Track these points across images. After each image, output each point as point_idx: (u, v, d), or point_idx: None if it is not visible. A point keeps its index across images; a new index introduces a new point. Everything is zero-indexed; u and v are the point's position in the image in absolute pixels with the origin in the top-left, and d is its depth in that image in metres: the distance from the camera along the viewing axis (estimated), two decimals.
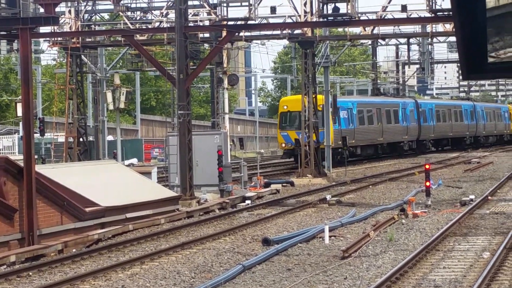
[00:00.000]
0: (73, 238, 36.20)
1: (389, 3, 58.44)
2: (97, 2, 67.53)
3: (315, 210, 47.71)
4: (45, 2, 46.05)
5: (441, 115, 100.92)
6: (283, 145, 75.54)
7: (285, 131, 74.32)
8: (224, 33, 57.62)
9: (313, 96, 67.68)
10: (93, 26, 67.11)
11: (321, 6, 56.64)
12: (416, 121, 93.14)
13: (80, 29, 63.38)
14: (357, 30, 73.25)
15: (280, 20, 60.36)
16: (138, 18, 64.68)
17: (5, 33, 55.59)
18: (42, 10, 46.94)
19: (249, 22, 58.03)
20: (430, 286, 26.58)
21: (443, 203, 48.49)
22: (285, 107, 74.31)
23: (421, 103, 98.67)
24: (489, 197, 51.04)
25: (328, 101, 73.20)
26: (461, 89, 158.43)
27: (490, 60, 9.18)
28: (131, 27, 62.08)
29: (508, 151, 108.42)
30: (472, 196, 49.85)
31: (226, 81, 65.11)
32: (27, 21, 43.77)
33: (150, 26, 64.28)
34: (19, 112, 47.08)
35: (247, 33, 65.37)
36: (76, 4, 62.35)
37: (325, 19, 58.32)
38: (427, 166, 55.09)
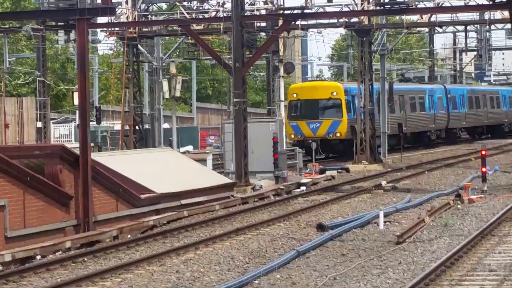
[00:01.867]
0: (128, 224, 36.34)
1: None
2: None
3: (370, 196, 47.60)
4: None
5: (474, 102, 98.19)
6: (292, 136, 72.73)
7: (295, 121, 71.83)
8: (280, 22, 57.84)
9: (369, 83, 67.42)
10: (149, 16, 67.24)
11: None
12: (445, 108, 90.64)
13: (136, 19, 63.54)
14: (414, 17, 73.07)
15: (337, 9, 60.32)
16: (194, 7, 64.78)
17: (63, 23, 55.96)
18: (99, 0, 47.19)
19: (306, 11, 57.99)
20: (485, 270, 26.37)
21: (500, 188, 48.16)
22: (295, 95, 72.20)
23: (450, 89, 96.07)
24: None
25: (385, 88, 72.79)
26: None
27: None
28: (188, 17, 62.37)
29: None
30: None
31: (282, 69, 65.35)
32: (84, 12, 43.51)
33: (206, 16, 64.26)
34: (76, 101, 47.24)
35: (304, 22, 65.39)
36: None
37: (382, 7, 58.19)
38: (483, 152, 54.84)
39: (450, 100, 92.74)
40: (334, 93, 68.88)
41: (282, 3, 58.77)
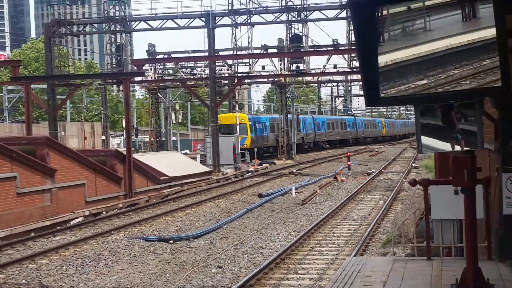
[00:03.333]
0: (153, 194, 36.22)
1: (327, 63, 58.08)
2: (166, 64, 66.62)
3: (287, 178, 47.60)
4: (137, 63, 46.30)
5: (331, 125, 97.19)
6: None
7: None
8: (236, 80, 57.77)
9: (285, 115, 67.36)
10: (163, 76, 67.00)
11: (289, 65, 56.34)
12: (313, 129, 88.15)
13: (156, 78, 63.26)
14: (309, 78, 73.19)
15: (267, 73, 59.97)
16: (188, 72, 64.59)
17: (115, 81, 55.69)
18: (135, 68, 47.31)
19: (250, 74, 57.84)
20: (350, 219, 26.63)
21: (358, 173, 48.43)
22: (219, 121, 68.89)
23: (316, 118, 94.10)
24: (383, 170, 51.01)
25: (294, 117, 72.78)
26: (367, 111, 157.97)
27: (382, 95, 9.24)
28: (185, 77, 62.15)
29: (394, 145, 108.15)
30: (373, 170, 49.79)
31: (237, 107, 65.14)
32: (127, 75, 44.00)
33: (195, 77, 64.16)
34: (123, 124, 47.39)
35: (248, 80, 65.48)
36: (154, 65, 62.24)
37: (291, 73, 58.07)
38: (348, 153, 55.38)
39: (316, 125, 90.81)
40: (242, 120, 65.75)
41: (236, 70, 58.71)
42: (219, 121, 67.57)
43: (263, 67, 61.73)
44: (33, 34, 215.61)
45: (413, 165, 53.69)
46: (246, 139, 65.80)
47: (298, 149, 72.26)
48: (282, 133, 67.76)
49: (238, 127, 61.30)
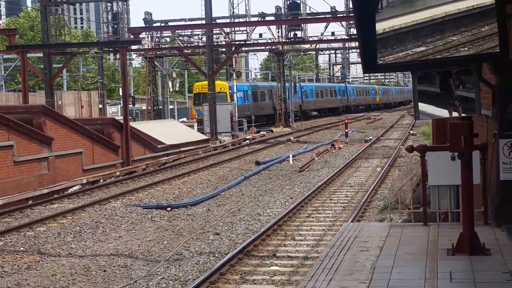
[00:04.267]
0: (151, 162, 36.19)
1: (325, 30, 57.86)
2: (162, 32, 66.61)
3: (285, 145, 47.57)
4: (134, 32, 46.11)
5: (319, 93, 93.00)
6: (196, 116, 63.34)
7: (197, 107, 63.22)
8: (233, 48, 57.60)
9: (283, 83, 67.07)
10: (160, 45, 66.77)
11: (287, 33, 56.21)
12: (300, 98, 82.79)
13: (153, 47, 63.04)
14: (307, 46, 72.95)
15: (264, 41, 59.84)
16: (186, 40, 64.36)
17: (112, 49, 55.51)
18: (132, 36, 47.08)
19: (247, 42, 57.69)
20: (347, 186, 26.73)
21: (355, 141, 48.47)
22: (197, 90, 66.05)
23: (304, 86, 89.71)
24: (380, 137, 51.02)
25: (292, 85, 72.67)
26: (365, 78, 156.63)
27: (379, 62, 9.25)
28: (182, 45, 61.95)
29: (391, 112, 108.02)
30: (370, 137, 49.77)
31: (234, 75, 64.77)
32: (124, 43, 43.66)
33: (192, 45, 63.99)
34: (120, 93, 47.30)
35: (246, 48, 65.31)
36: (151, 33, 61.98)
37: (289, 40, 57.93)
38: (346, 121, 55.35)
39: (304, 93, 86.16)
40: (222, 89, 62.54)
41: (234, 37, 58.59)
42: (197, 89, 66.35)
43: (260, 35, 61.60)
44: (28, 2, 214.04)
45: (411, 132, 53.75)
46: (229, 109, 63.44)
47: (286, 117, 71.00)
48: (280, 101, 67.53)
49: (217, 95, 59.06)
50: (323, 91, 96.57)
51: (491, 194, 12.12)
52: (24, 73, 42.21)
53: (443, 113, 10.27)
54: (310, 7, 64.07)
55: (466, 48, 9.01)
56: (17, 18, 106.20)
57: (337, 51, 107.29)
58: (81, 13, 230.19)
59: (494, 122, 12.00)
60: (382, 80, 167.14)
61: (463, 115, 10.29)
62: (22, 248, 17.41)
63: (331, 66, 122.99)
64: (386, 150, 40.62)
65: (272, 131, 61.84)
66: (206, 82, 58.71)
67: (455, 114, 10.18)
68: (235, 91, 63.12)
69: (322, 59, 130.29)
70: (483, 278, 9.29)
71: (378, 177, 27.92)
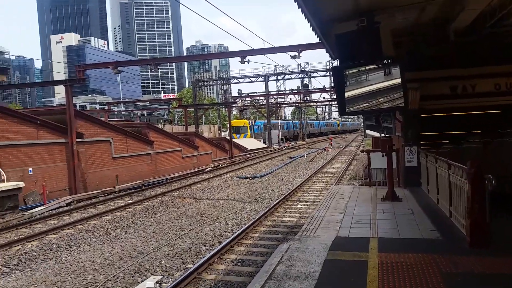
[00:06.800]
0: (241, 156, 34.66)
1: (320, 96, 54.69)
2: (247, 98, 58.50)
3: (302, 149, 45.62)
4: (234, 98, 44.36)
5: (317, 125, 76.85)
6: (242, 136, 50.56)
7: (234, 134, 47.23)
8: (278, 105, 55.52)
9: (301, 121, 64.61)
10: (245, 104, 63.99)
11: (302, 97, 54.12)
12: (292, 129, 66.00)
13: (242, 104, 61.08)
14: (312, 104, 68.46)
15: (292, 102, 58.34)
16: (257, 100, 61.70)
17: (223, 106, 53.81)
18: (232, 100, 45.09)
19: (284, 102, 56.19)
20: (332, 168, 25.61)
21: (335, 147, 46.73)
22: (235, 124, 52.50)
23: (309, 121, 72.58)
24: (347, 146, 48.70)
25: (305, 122, 69.74)
26: (341, 118, 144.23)
27: (347, 110, 9.09)
28: (255, 104, 59.78)
29: (352, 134, 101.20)
30: (342, 145, 47.85)
31: (278, 117, 62.33)
32: (227, 104, 39.83)
33: (259, 103, 61.29)
34: (228, 127, 44.70)
35: (284, 105, 62.45)
36: (241, 99, 58.33)
37: (303, 101, 55.91)
38: (330, 137, 53.98)
39: (294, 125, 67.91)
40: (244, 124, 52.52)
41: (278, 100, 56.87)
42: (234, 124, 52.99)
43: (290, 99, 61.10)
44: (187, 84, 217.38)
45: (362, 143, 52.26)
46: (247, 135, 52.79)
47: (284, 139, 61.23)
48: (300, 129, 65.85)
49: (242, 128, 51.27)
50: (319, 124, 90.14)
51: (401, 172, 11.85)
52: (186, 118, 42.67)
53: (377, 134, 10.07)
54: (313, 85, 62.65)
55: (387, 104, 8.83)
56: (183, 92, 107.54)
57: (325, 105, 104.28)
58: (211, 89, 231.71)
59: (402, 138, 11.74)
60: (348, 118, 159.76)
61: (387, 135, 10.09)
62: (186, 195, 17.59)
63: (323, 112, 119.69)
64: (350, 152, 39.34)
65: (296, 143, 60.68)
66: (238, 120, 52.65)
67: (383, 135, 9.99)
68: (252, 124, 54.67)
69: (320, 109, 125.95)
70: (398, 212, 9.11)
71: (347, 164, 27.08)
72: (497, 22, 8.50)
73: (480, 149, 11.83)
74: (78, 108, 60.03)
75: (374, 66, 8.30)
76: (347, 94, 8.79)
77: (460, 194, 7.23)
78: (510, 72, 9.81)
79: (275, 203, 14.19)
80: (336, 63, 9.54)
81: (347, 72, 8.60)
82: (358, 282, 5.49)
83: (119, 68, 19.06)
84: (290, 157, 34.07)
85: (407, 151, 11.22)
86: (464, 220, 6.96)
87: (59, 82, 18.87)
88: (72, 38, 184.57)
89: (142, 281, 7.80)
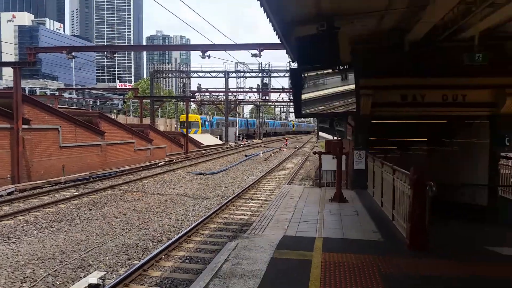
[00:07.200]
0: (197, 152, 34.39)
1: (278, 96, 55.13)
2: (205, 93, 57.42)
3: (258, 148, 45.74)
4: (193, 92, 43.52)
5: (274, 125, 74.84)
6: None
7: (182, 129, 45.85)
8: (237, 102, 55.26)
9: (258, 119, 64.83)
10: (204, 99, 62.58)
11: (262, 96, 53.89)
12: (246, 127, 64.48)
13: (201, 99, 60.40)
14: (270, 103, 69.68)
15: (252, 100, 58.42)
16: (216, 96, 61.20)
17: (181, 100, 53.08)
18: (191, 94, 44.41)
19: (244, 100, 55.92)
20: (285, 168, 25.80)
21: (290, 147, 47.17)
22: (181, 119, 49.94)
23: (249, 120, 69.12)
24: (301, 147, 49.40)
25: (263, 120, 70.23)
26: (299, 120, 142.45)
27: (302, 112, 9.18)
28: (214, 100, 59.23)
29: (307, 135, 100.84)
30: (297, 146, 48.36)
31: (236, 115, 62.13)
32: (185, 98, 37.99)
33: (218, 99, 60.78)
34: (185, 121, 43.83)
35: (243, 103, 62.03)
36: (200, 94, 57.32)
37: (262, 100, 56.20)
38: (286, 138, 54.60)
39: (249, 124, 66.47)
40: (196, 119, 48.90)
41: (237, 98, 56.71)
42: (181, 119, 50.16)
43: (249, 97, 61.10)
44: (144, 75, 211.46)
45: (316, 145, 53.11)
46: (198, 131, 49.54)
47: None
48: (257, 127, 65.91)
49: (193, 123, 47.94)
50: (274, 123, 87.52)
51: (350, 175, 12.15)
52: (141, 109, 41.39)
53: (330, 137, 10.25)
54: (272, 85, 62.69)
55: (341, 108, 9.00)
56: (140, 82, 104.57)
57: (283, 106, 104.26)
58: (169, 82, 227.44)
59: (352, 142, 12.04)
60: (304, 120, 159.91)
61: (338, 138, 10.30)
62: (136, 189, 17.11)
63: (280, 112, 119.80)
64: (304, 153, 39.65)
65: (253, 141, 60.65)
66: (190, 115, 48.25)
67: (335, 138, 10.19)
68: (205, 120, 51.76)
69: (278, 109, 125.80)
70: (344, 212, 9.30)
71: (300, 165, 27.36)
72: (448, 36, 8.93)
73: (425, 156, 12.38)
74: (27, 92, 56.55)
75: (331, 70, 8.44)
76: (303, 96, 8.87)
77: (402, 198, 7.52)
78: (456, 85, 10.34)
79: (227, 200, 14.13)
80: (295, 65, 9.61)
81: (306, 75, 8.68)
82: (301, 281, 5.54)
83: (73, 54, 18.25)
84: (246, 155, 33.94)
85: (356, 154, 11.52)
86: (405, 223, 7.25)
87: (7, 64, 17.72)
88: (26, 18, 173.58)
89: (84, 277, 7.55)
